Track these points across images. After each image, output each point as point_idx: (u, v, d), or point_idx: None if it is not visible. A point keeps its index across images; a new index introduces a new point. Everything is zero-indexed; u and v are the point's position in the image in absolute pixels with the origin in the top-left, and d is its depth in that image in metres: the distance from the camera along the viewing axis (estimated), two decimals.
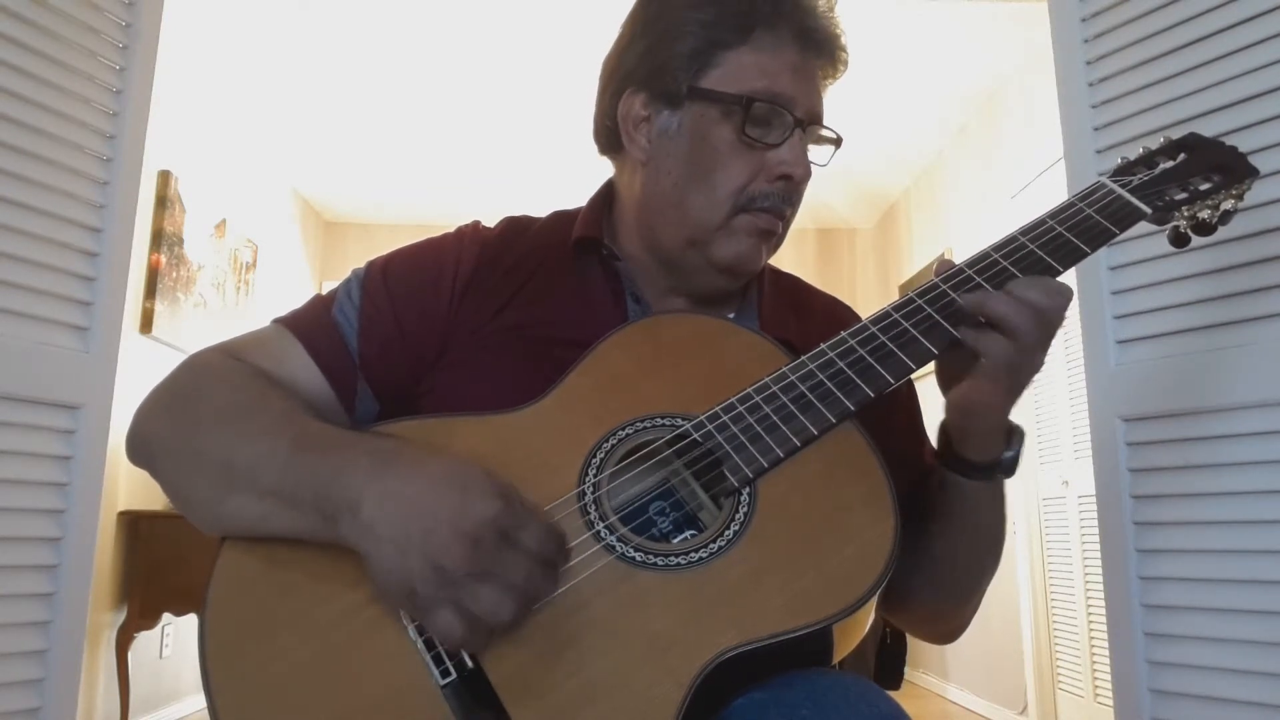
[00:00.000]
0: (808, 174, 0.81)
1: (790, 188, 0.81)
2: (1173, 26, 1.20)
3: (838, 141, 0.84)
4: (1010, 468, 0.76)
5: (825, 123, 0.84)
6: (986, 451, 0.74)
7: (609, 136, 0.87)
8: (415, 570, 0.57)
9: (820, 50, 0.81)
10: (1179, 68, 1.19)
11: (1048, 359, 0.71)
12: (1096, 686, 2.99)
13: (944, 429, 0.77)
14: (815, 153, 0.84)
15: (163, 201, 3.41)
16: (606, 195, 0.91)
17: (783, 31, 0.79)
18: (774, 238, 0.84)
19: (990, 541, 0.80)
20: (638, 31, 0.84)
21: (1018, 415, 0.74)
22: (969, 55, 3.57)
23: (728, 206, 0.80)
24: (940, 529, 0.78)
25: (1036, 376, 0.72)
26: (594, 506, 0.67)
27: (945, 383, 0.75)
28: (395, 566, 0.58)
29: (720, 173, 0.80)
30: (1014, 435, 0.75)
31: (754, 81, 0.79)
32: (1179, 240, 0.86)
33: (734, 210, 0.80)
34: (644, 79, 0.82)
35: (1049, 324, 0.69)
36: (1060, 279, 0.75)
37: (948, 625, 0.86)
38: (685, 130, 0.81)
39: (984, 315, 0.69)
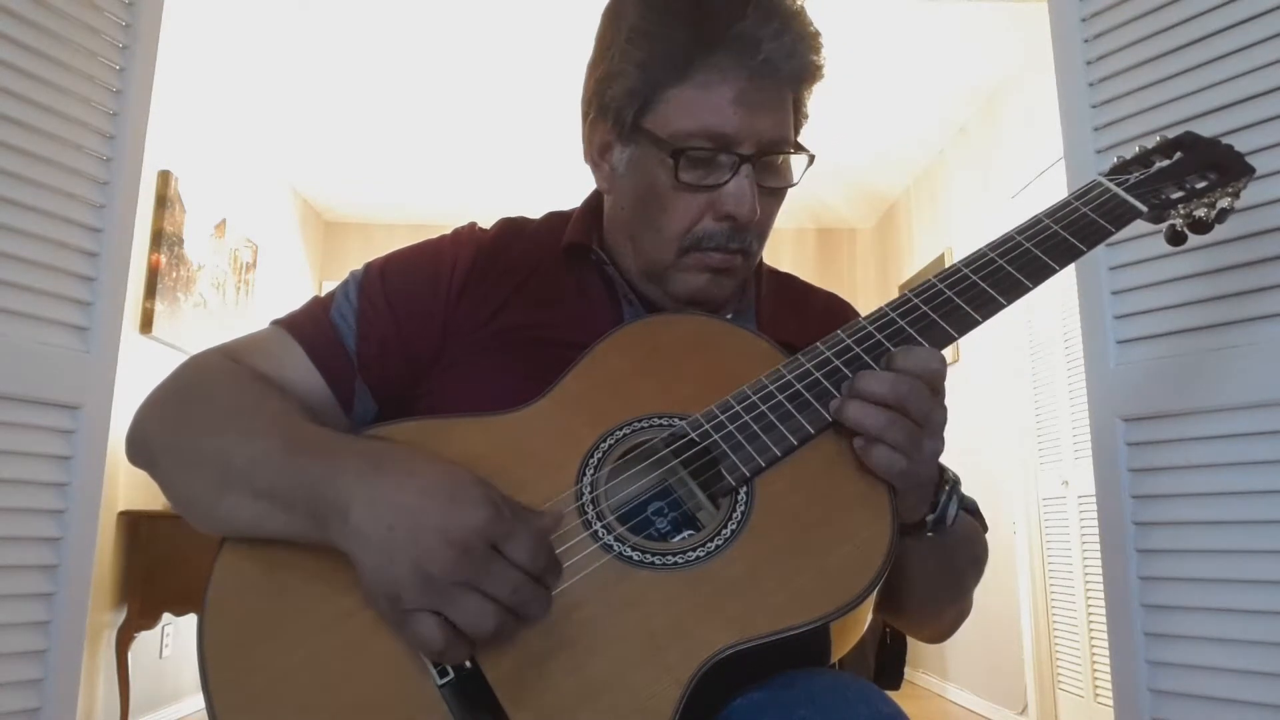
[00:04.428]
0: (754, 213, 0.77)
1: (738, 226, 0.78)
2: (1173, 26, 1.20)
3: (811, 157, 0.80)
4: (938, 526, 0.72)
5: (805, 130, 0.80)
6: (907, 514, 0.71)
7: (588, 153, 0.87)
8: (401, 576, 0.57)
9: (769, 74, 0.75)
10: (1179, 68, 1.19)
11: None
12: (1096, 686, 2.98)
13: None
14: (791, 168, 0.81)
15: (163, 201, 3.41)
16: (598, 199, 0.90)
17: (725, 64, 0.74)
18: (732, 271, 0.81)
19: (946, 578, 0.79)
20: (598, 53, 0.82)
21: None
22: (969, 55, 3.57)
23: (674, 247, 0.79)
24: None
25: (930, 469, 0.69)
26: (591, 506, 0.67)
27: None
28: (382, 571, 0.58)
29: (664, 215, 0.79)
30: (940, 491, 0.72)
31: (691, 121, 0.75)
32: (1176, 239, 0.86)
33: (681, 251, 0.79)
34: (600, 109, 0.81)
35: (907, 423, 0.66)
36: (1054, 278, 0.75)
37: (923, 634, 0.86)
38: (634, 168, 0.80)
39: (846, 424, 0.68)
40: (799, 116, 0.82)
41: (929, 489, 0.71)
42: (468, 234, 0.87)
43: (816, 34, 0.78)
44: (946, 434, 0.70)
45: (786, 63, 0.76)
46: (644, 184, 0.79)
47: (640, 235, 0.81)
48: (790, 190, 0.83)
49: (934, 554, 0.75)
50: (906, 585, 0.77)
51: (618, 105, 0.78)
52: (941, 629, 0.84)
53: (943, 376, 0.68)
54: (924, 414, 0.67)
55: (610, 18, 0.82)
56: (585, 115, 0.84)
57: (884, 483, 0.68)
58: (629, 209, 0.82)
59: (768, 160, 0.78)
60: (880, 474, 0.67)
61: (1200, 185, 0.83)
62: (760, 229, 0.81)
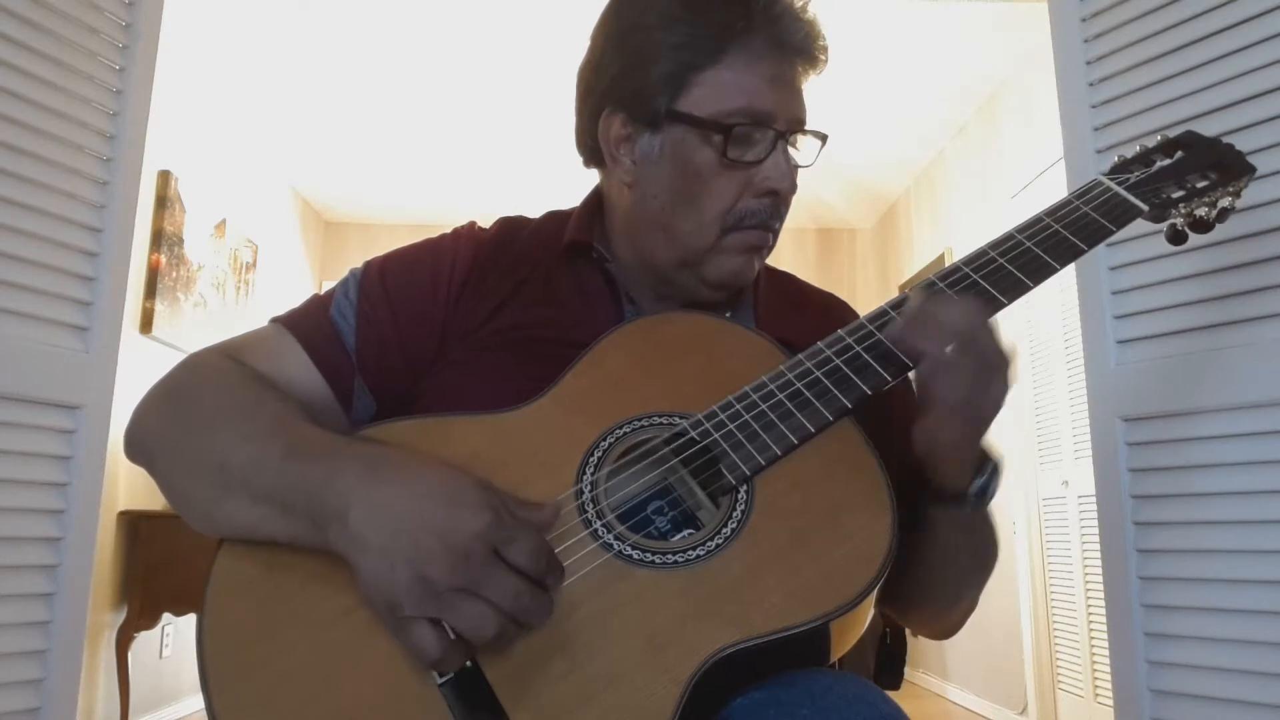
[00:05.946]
0: (794, 187, 0.81)
1: (778, 201, 0.80)
2: (1173, 26, 1.20)
3: (824, 138, 0.83)
4: (979, 498, 0.73)
5: (810, 122, 0.82)
6: (953, 481, 0.72)
7: (592, 152, 0.86)
8: (401, 582, 0.57)
9: (798, 53, 0.79)
10: (1179, 68, 1.19)
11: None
12: (1096, 686, 2.98)
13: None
14: (802, 150, 0.83)
15: (163, 201, 3.41)
16: (598, 198, 0.90)
17: (757, 44, 0.77)
18: (763, 251, 0.83)
19: (971, 562, 0.79)
20: (610, 48, 0.82)
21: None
22: (969, 55, 3.57)
23: (716, 228, 0.79)
24: (914, 548, 0.76)
25: (1000, 414, 0.69)
26: (591, 505, 0.67)
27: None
28: (381, 577, 0.58)
29: (706, 196, 0.79)
30: (986, 463, 0.73)
31: (732, 101, 0.77)
32: (1176, 238, 0.86)
33: (723, 231, 0.80)
34: (620, 100, 0.81)
35: (976, 351, 0.66)
36: (1054, 278, 0.75)
37: (934, 627, 0.86)
38: (667, 154, 0.80)
39: (908, 354, 0.68)
40: None
41: (975, 456, 0.72)
42: (467, 233, 0.87)
43: (819, 21, 0.81)
44: None
45: (812, 45, 0.79)
46: (683, 167, 0.79)
47: (677, 222, 0.80)
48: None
49: (965, 531, 0.75)
50: (939, 566, 0.77)
51: (649, 92, 0.78)
52: (955, 620, 0.84)
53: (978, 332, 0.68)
54: (989, 351, 0.67)
55: (617, 13, 0.82)
56: (595, 111, 0.83)
57: (885, 482, 0.68)
58: (663, 196, 0.81)
59: (790, 140, 0.81)
60: (939, 401, 0.67)
61: (1201, 184, 0.83)
62: (788, 207, 0.83)
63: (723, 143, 0.77)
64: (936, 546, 0.76)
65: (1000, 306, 0.73)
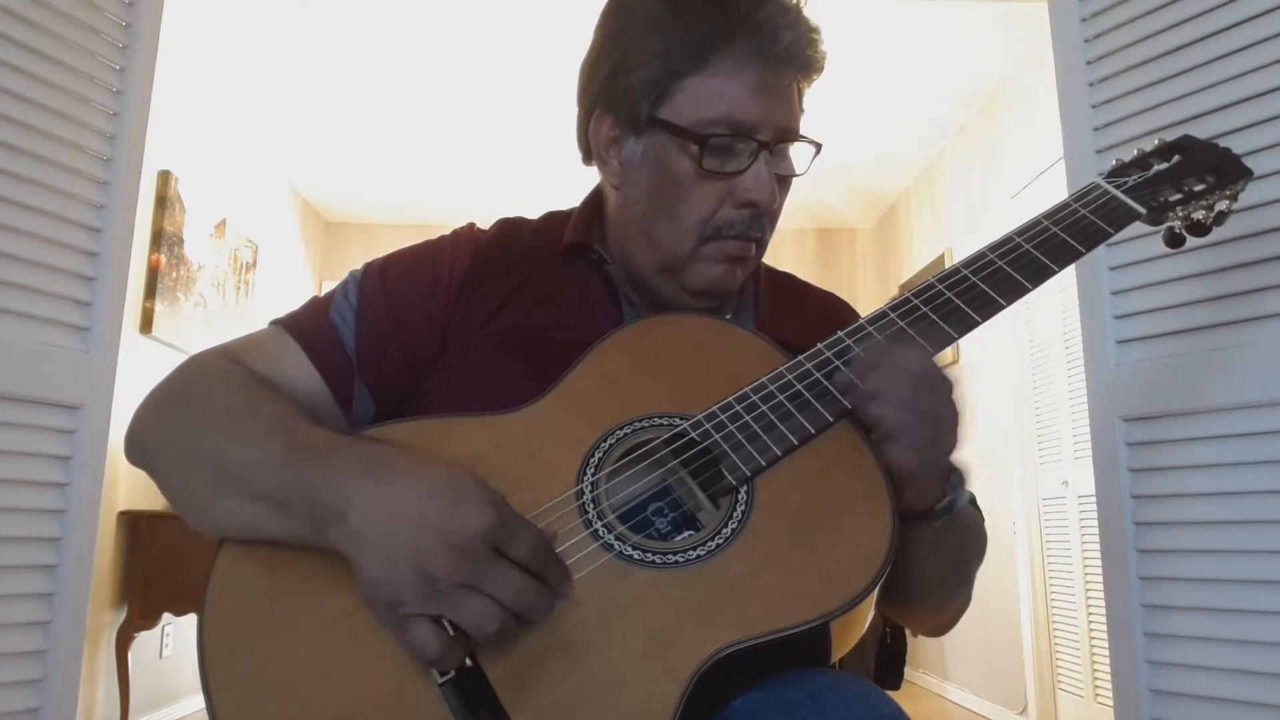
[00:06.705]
0: (774, 198, 0.80)
1: (757, 213, 0.79)
2: (1173, 26, 1.20)
3: (818, 146, 0.82)
4: (946, 513, 0.73)
5: (808, 126, 0.81)
6: (919, 501, 0.72)
7: (589, 151, 0.86)
8: (403, 579, 0.57)
9: (787, 62, 0.77)
10: (1179, 68, 1.19)
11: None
12: (1096, 686, 2.99)
13: None
14: (795, 158, 0.82)
15: (163, 201, 3.41)
16: (597, 199, 0.91)
17: (742, 53, 0.76)
18: (747, 260, 0.82)
19: (950, 571, 0.79)
20: (603, 50, 0.82)
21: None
22: (969, 55, 3.57)
23: (694, 238, 0.79)
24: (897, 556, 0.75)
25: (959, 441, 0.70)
26: (592, 506, 0.67)
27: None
28: (382, 575, 0.58)
29: (683, 205, 0.79)
30: (950, 479, 0.72)
31: (712, 109, 0.76)
32: (1174, 241, 0.86)
33: (701, 240, 0.79)
34: (610, 103, 0.81)
35: (928, 414, 0.67)
36: (1054, 278, 0.75)
37: (926, 625, 0.86)
38: (648, 160, 0.79)
39: (861, 415, 0.69)
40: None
41: (939, 480, 0.72)
42: (466, 234, 0.87)
43: (818, 28, 0.80)
44: None
45: (801, 53, 0.78)
46: (662, 175, 0.79)
47: (657, 228, 0.81)
48: (790, 189, 0.84)
49: (942, 541, 0.75)
50: (915, 574, 0.77)
51: (633, 97, 0.78)
52: (946, 619, 0.84)
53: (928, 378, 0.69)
54: (938, 412, 0.68)
55: (615, 11, 0.82)
56: (589, 111, 0.84)
57: (884, 482, 0.68)
58: (644, 202, 0.81)
59: (779, 149, 0.80)
60: (894, 469, 0.68)
61: (1199, 188, 0.84)
62: (773, 217, 0.82)
63: (699, 153, 0.76)
64: (913, 559, 0.75)
65: (1000, 309, 0.74)
